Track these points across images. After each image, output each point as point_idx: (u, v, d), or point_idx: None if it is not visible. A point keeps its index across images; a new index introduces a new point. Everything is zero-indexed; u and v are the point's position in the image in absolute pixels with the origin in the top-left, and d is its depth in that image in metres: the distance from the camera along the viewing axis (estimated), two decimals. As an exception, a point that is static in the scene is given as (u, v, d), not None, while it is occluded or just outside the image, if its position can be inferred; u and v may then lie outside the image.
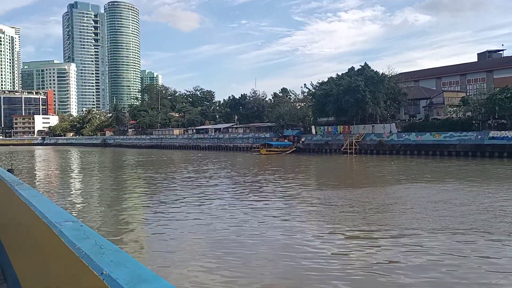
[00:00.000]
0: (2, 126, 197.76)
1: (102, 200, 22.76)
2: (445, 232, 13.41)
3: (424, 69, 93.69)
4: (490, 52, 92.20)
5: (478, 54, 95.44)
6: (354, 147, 59.07)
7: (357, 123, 64.91)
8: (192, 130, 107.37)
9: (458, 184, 25.31)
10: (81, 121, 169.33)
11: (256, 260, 11.14)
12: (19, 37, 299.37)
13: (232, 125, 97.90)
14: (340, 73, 70.64)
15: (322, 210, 17.76)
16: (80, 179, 35.00)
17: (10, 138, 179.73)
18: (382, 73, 64.33)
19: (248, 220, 16.10)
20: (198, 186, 26.90)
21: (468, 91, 76.28)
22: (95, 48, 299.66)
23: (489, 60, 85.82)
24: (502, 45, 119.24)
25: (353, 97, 60.91)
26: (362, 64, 67.44)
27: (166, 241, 13.29)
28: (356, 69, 67.44)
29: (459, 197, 19.98)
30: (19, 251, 4.13)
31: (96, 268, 1.69)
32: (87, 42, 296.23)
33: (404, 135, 57.21)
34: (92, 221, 16.80)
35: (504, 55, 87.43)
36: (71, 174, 41.05)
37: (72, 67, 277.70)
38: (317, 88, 75.07)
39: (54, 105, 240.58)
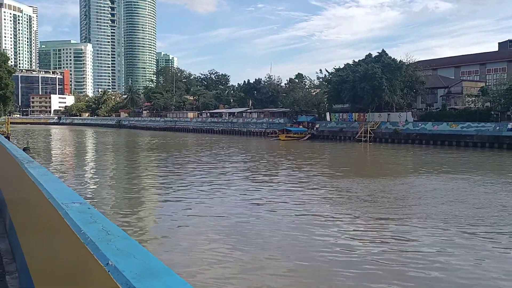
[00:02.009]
0: (19, 104, 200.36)
1: (115, 181, 22.90)
2: (469, 230, 13.17)
3: (443, 58, 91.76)
4: (511, 41, 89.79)
5: (499, 43, 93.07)
6: (369, 135, 58.46)
7: (372, 111, 64.08)
8: (206, 113, 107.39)
9: (480, 176, 24.53)
10: (96, 101, 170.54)
11: (273, 249, 11.07)
12: (36, 16, 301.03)
13: (247, 110, 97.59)
14: (356, 60, 69.66)
15: (344, 199, 17.51)
16: (94, 160, 35.33)
17: (27, 117, 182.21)
18: (400, 60, 63.12)
19: (274, 209, 15.99)
20: (220, 172, 26.73)
21: (487, 81, 74.59)
22: (111, 29, 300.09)
23: (511, 50, 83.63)
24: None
25: (370, 84, 59.99)
26: (379, 51, 66.31)
27: (182, 226, 13.30)
28: (373, 56, 66.33)
29: (483, 191, 19.39)
30: (26, 231, 4.04)
31: (101, 257, 1.52)
32: (104, 22, 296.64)
33: (420, 124, 56.29)
34: (103, 201, 16.92)
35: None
36: (85, 154, 41.47)
37: (89, 48, 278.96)
38: (333, 74, 74.12)
39: (70, 85, 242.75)
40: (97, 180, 22.94)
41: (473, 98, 57.32)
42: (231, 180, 22.49)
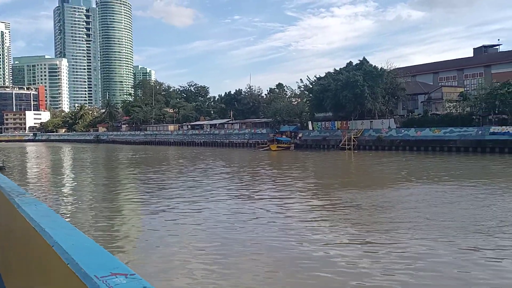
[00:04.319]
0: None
1: (95, 199, 21.67)
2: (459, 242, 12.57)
3: (421, 64, 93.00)
4: (486, 47, 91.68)
5: (474, 49, 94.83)
6: (352, 143, 58.26)
7: (355, 119, 64.09)
8: (187, 126, 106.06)
9: (472, 183, 23.97)
10: (73, 117, 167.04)
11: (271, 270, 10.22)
12: (9, 32, 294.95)
13: (228, 121, 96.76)
14: (337, 68, 69.66)
15: (351, 213, 16.70)
16: (73, 178, 33.83)
17: (0, 135, 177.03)
18: (381, 67, 63.48)
19: (291, 225, 15.13)
20: (233, 194, 25.67)
21: (465, 86, 75.71)
22: (87, 44, 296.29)
23: (486, 55, 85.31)
24: (498, 39, 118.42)
25: (352, 92, 59.99)
26: (354, 60, 67.20)
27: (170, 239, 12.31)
28: (354, 64, 66.52)
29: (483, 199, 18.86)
30: None
31: None
32: (79, 37, 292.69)
33: (403, 131, 56.47)
34: (85, 221, 15.78)
35: (500, 50, 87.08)
36: (63, 172, 39.86)
37: (64, 63, 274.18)
38: (315, 83, 74.07)
39: (46, 101, 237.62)
40: (75, 200, 21.65)
41: (454, 104, 57.83)
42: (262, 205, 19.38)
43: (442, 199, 18.68)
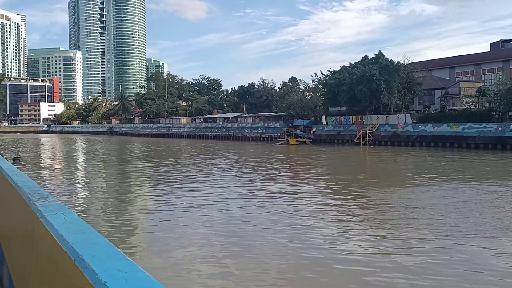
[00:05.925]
0: (8, 113, 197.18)
1: (109, 192, 21.41)
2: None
3: (437, 59, 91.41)
4: (503, 41, 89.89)
5: (491, 43, 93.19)
6: (368, 138, 57.40)
7: (370, 114, 63.13)
8: (200, 119, 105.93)
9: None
10: (87, 109, 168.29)
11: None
12: (25, 24, 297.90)
13: (241, 114, 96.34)
14: (351, 62, 68.65)
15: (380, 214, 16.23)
16: (86, 170, 33.71)
17: (15, 126, 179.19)
18: (398, 61, 62.30)
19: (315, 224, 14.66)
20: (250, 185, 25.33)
21: (483, 81, 74.14)
22: (101, 36, 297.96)
23: (504, 50, 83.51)
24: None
25: (367, 86, 58.98)
26: (369, 54, 65.80)
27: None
28: (370, 58, 65.43)
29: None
30: None
31: None
32: (93, 29, 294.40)
33: (420, 126, 55.33)
34: (97, 214, 15.49)
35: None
36: (77, 164, 39.86)
37: (78, 55, 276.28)
38: (329, 77, 73.11)
39: (60, 92, 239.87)
40: (89, 192, 21.42)
41: (473, 99, 56.54)
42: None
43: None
